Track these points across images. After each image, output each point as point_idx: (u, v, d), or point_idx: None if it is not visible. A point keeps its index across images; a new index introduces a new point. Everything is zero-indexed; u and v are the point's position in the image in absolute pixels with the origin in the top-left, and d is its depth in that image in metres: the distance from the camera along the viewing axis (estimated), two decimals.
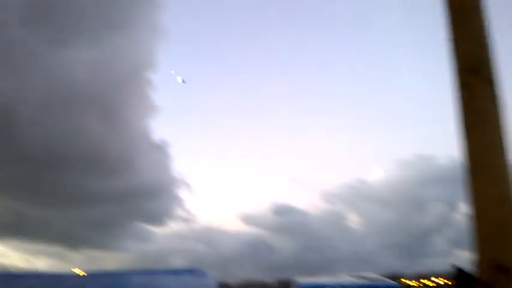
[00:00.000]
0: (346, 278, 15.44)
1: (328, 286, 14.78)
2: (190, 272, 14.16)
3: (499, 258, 1.93)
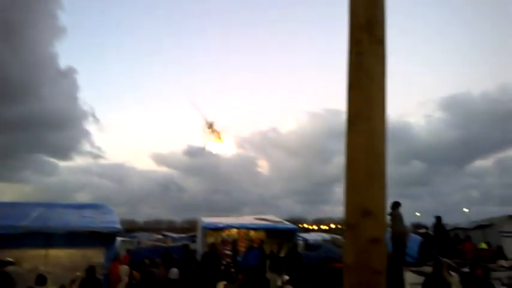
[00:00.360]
0: (249, 220, 16.25)
1: (230, 226, 15.47)
2: (93, 206, 13.86)
3: (364, 203, 2.13)
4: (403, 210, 12.11)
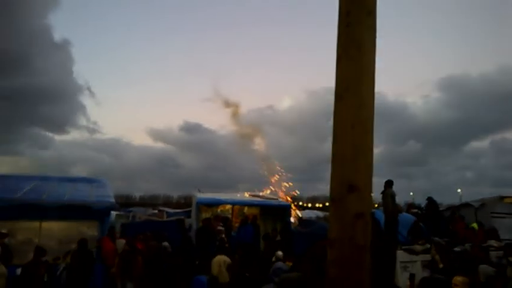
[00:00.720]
0: (243, 196, 16.33)
1: (224, 202, 15.53)
2: (87, 180, 13.87)
3: (350, 178, 2.11)
4: (396, 189, 12.20)
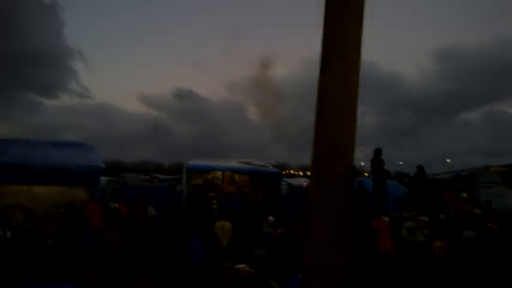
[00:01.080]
0: (233, 163, 16.35)
1: (214, 168, 15.59)
2: (77, 145, 13.73)
3: (335, 144, 2.06)
4: (386, 158, 12.29)
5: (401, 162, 47.36)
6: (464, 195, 13.37)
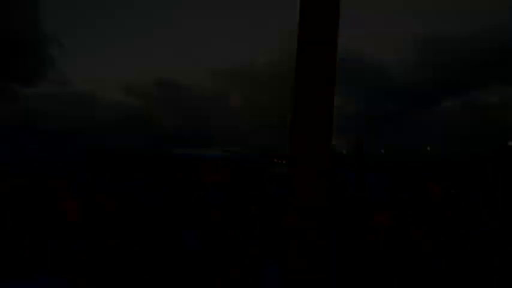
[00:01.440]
0: (215, 151, 16.29)
1: (198, 156, 15.53)
2: (59, 136, 13.49)
3: (311, 133, 2.02)
4: (367, 146, 12.39)
5: (382, 151, 47.89)
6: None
